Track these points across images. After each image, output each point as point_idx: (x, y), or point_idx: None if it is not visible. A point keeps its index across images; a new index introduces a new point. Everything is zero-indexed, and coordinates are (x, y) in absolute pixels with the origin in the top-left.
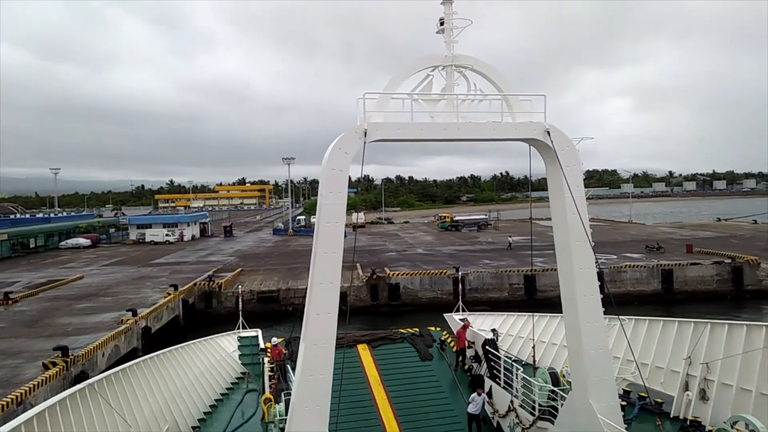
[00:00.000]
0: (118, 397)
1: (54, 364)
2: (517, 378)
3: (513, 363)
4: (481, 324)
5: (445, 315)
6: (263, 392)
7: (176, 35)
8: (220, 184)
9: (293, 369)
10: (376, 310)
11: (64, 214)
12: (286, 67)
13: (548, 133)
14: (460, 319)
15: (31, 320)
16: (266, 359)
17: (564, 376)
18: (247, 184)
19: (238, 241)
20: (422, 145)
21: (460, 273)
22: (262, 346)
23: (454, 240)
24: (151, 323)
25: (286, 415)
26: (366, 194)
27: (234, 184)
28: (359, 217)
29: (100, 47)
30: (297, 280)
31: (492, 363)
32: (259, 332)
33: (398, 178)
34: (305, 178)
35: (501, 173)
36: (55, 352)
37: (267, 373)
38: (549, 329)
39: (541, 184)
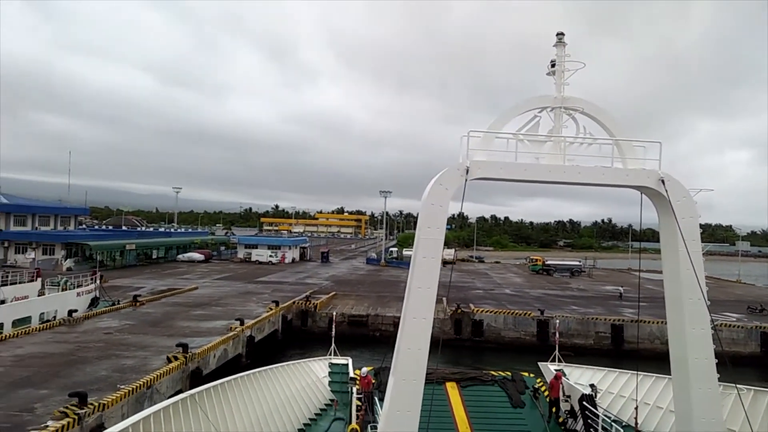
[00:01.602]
0: (215, 411)
1: (176, 358)
2: None
3: (612, 423)
4: (579, 377)
5: (540, 364)
6: (350, 422)
7: (284, 67)
8: (320, 212)
9: (381, 400)
10: (459, 343)
11: (182, 230)
12: (384, 102)
13: (662, 182)
14: (555, 370)
15: (155, 321)
16: (355, 388)
17: None
18: (345, 213)
19: (333, 267)
20: (520, 186)
21: (558, 322)
22: (351, 374)
23: (544, 284)
24: (255, 333)
25: None
26: (460, 231)
27: (333, 212)
28: (449, 252)
29: (216, 76)
30: (385, 308)
31: (589, 420)
32: (350, 361)
33: (493, 217)
34: (401, 212)
35: (603, 220)
36: (177, 348)
37: (355, 403)
38: (654, 391)
39: (646, 235)
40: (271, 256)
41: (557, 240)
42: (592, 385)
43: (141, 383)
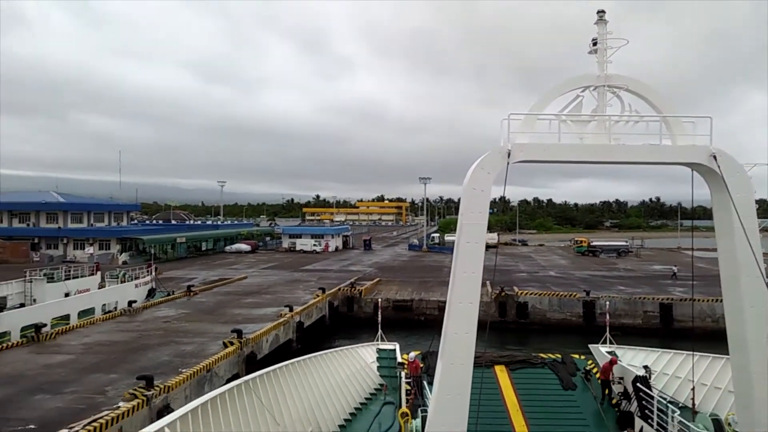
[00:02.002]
0: (269, 396)
1: (231, 344)
2: (672, 421)
3: (668, 404)
4: (631, 359)
5: (590, 346)
6: (400, 406)
7: (319, 59)
8: (361, 200)
9: (429, 384)
10: (503, 326)
11: (228, 222)
12: (420, 88)
13: (714, 157)
14: (607, 352)
15: (209, 309)
16: (403, 373)
17: (729, 424)
18: (386, 201)
19: (376, 254)
20: (563, 167)
21: (607, 303)
22: (399, 359)
23: (590, 265)
24: (304, 319)
25: (422, 430)
26: (502, 215)
27: (373, 200)
28: (492, 237)
29: (252, 71)
30: (429, 293)
31: (644, 402)
32: (397, 346)
33: (536, 200)
34: (441, 197)
35: (650, 199)
36: (232, 334)
37: (404, 387)
38: (711, 371)
39: (697, 212)
40: (315, 245)
41: (603, 221)
42: (645, 367)
43: (201, 367)
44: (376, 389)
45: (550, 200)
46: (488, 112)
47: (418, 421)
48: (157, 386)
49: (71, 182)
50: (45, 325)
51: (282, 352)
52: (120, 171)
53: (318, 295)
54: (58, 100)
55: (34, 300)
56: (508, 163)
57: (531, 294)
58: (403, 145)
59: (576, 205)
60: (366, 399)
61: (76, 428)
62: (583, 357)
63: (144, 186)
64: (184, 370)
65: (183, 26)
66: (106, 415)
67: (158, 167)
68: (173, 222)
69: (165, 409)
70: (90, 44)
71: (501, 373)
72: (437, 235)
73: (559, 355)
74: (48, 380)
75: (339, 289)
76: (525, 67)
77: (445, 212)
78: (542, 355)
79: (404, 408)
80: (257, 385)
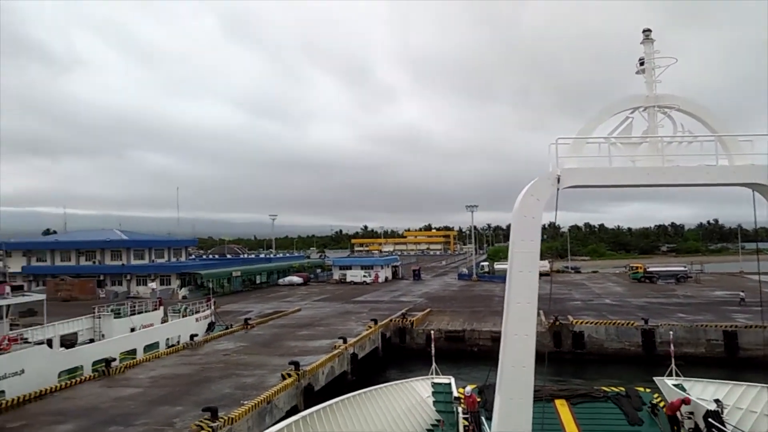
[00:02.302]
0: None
1: (289, 376)
2: None
3: None
4: (701, 392)
5: (655, 379)
6: None
7: (362, 89)
8: (408, 230)
9: (488, 419)
10: (559, 356)
11: (280, 255)
12: (463, 114)
13: None
14: (674, 385)
15: (266, 342)
16: (460, 408)
17: None
18: (433, 230)
19: (426, 284)
20: (612, 191)
21: (671, 333)
22: (455, 394)
23: (647, 292)
24: (357, 350)
25: None
26: (552, 242)
27: (420, 229)
28: (544, 264)
29: (298, 105)
30: (481, 323)
31: None
32: (452, 379)
33: (587, 225)
34: (488, 225)
35: (708, 221)
36: (289, 366)
37: (461, 423)
38: None
39: (759, 234)
40: (365, 276)
41: (659, 245)
42: (717, 400)
43: (261, 399)
44: (432, 425)
45: (601, 225)
46: (533, 135)
47: None
48: (222, 418)
49: (132, 219)
50: (114, 359)
51: (338, 384)
52: (178, 207)
53: (370, 327)
54: (117, 140)
55: (103, 335)
56: (558, 189)
57: (587, 323)
58: (449, 172)
59: (630, 229)
60: None
61: None
62: (648, 390)
63: (198, 221)
64: (245, 402)
65: (228, 60)
66: None
67: (211, 202)
68: (228, 256)
69: None
70: (142, 83)
71: (562, 407)
72: (487, 263)
73: (623, 389)
74: (120, 413)
75: (390, 321)
76: (570, 90)
77: (493, 240)
78: (605, 388)
79: None
80: (314, 421)
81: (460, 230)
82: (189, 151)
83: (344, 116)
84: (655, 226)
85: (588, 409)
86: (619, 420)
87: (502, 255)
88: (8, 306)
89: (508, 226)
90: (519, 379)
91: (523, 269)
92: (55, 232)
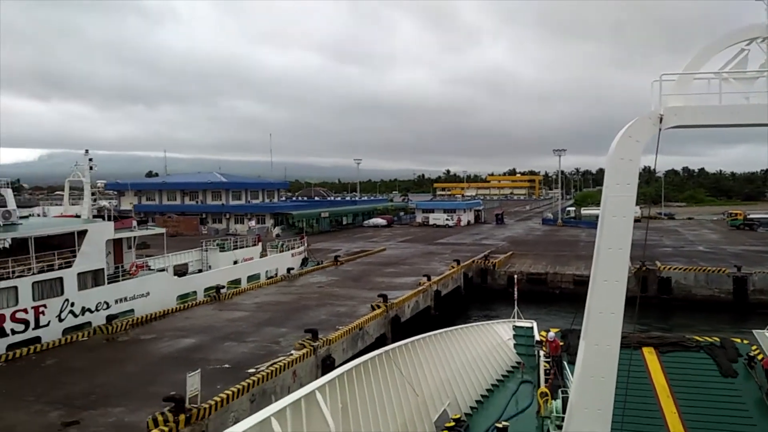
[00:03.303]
0: (408, 367)
1: (378, 307)
2: None
3: None
4: None
5: (755, 332)
6: (538, 386)
7: (445, 31)
8: (491, 174)
9: (569, 363)
10: (644, 301)
11: (365, 198)
12: (550, 53)
13: None
14: None
15: (355, 277)
16: (542, 352)
17: None
18: (517, 175)
19: (508, 228)
20: (720, 132)
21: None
22: (537, 337)
23: (745, 240)
24: (441, 288)
25: (563, 412)
26: (646, 187)
27: (504, 174)
28: (636, 210)
29: (380, 49)
30: (564, 267)
31: None
32: (535, 324)
33: (685, 170)
34: (577, 169)
35: None
36: (378, 299)
37: (543, 366)
38: None
39: None
40: (447, 219)
41: (765, 191)
42: None
43: (355, 325)
44: (513, 367)
45: (701, 169)
46: (628, 75)
47: (559, 402)
48: (321, 339)
49: (227, 163)
50: (223, 287)
51: (422, 317)
52: (271, 152)
53: (453, 267)
54: (209, 88)
55: (210, 266)
56: (660, 130)
57: (675, 269)
58: (535, 116)
59: (733, 174)
60: (503, 376)
61: (261, 369)
62: (746, 341)
63: (285, 164)
64: (340, 327)
65: (311, 8)
66: (282, 360)
67: (298, 146)
68: (316, 198)
69: (327, 359)
70: (231, 33)
71: (650, 355)
72: (573, 209)
73: (717, 339)
74: (233, 331)
75: (473, 262)
76: (668, 24)
77: (581, 185)
78: (697, 337)
79: (543, 388)
80: (397, 356)
81: (546, 175)
82: (277, 98)
83: (426, 59)
84: (762, 170)
85: (678, 358)
86: (711, 371)
87: (590, 200)
88: (135, 237)
89: (599, 171)
90: (606, 325)
91: (617, 214)
92: (156, 175)
